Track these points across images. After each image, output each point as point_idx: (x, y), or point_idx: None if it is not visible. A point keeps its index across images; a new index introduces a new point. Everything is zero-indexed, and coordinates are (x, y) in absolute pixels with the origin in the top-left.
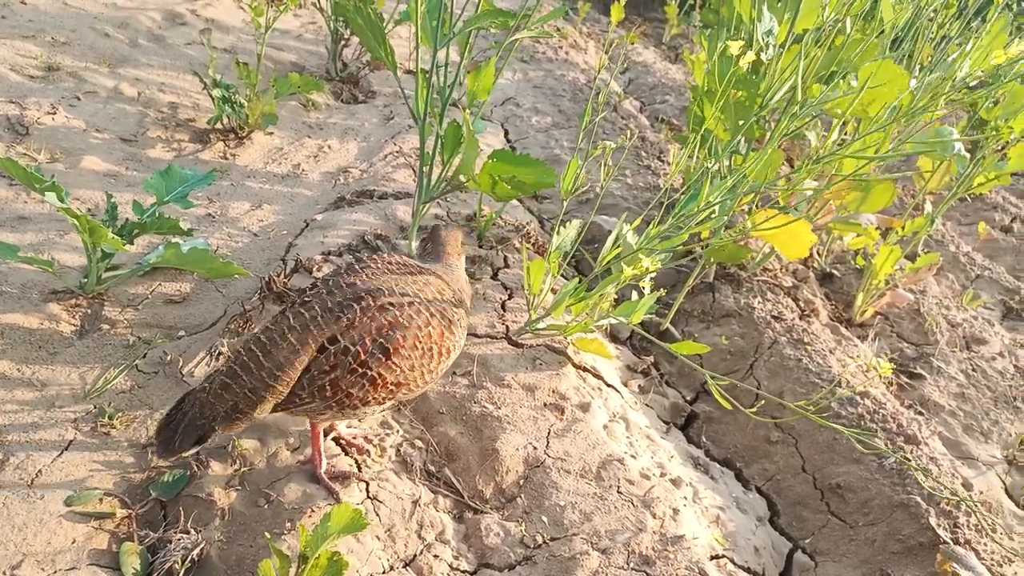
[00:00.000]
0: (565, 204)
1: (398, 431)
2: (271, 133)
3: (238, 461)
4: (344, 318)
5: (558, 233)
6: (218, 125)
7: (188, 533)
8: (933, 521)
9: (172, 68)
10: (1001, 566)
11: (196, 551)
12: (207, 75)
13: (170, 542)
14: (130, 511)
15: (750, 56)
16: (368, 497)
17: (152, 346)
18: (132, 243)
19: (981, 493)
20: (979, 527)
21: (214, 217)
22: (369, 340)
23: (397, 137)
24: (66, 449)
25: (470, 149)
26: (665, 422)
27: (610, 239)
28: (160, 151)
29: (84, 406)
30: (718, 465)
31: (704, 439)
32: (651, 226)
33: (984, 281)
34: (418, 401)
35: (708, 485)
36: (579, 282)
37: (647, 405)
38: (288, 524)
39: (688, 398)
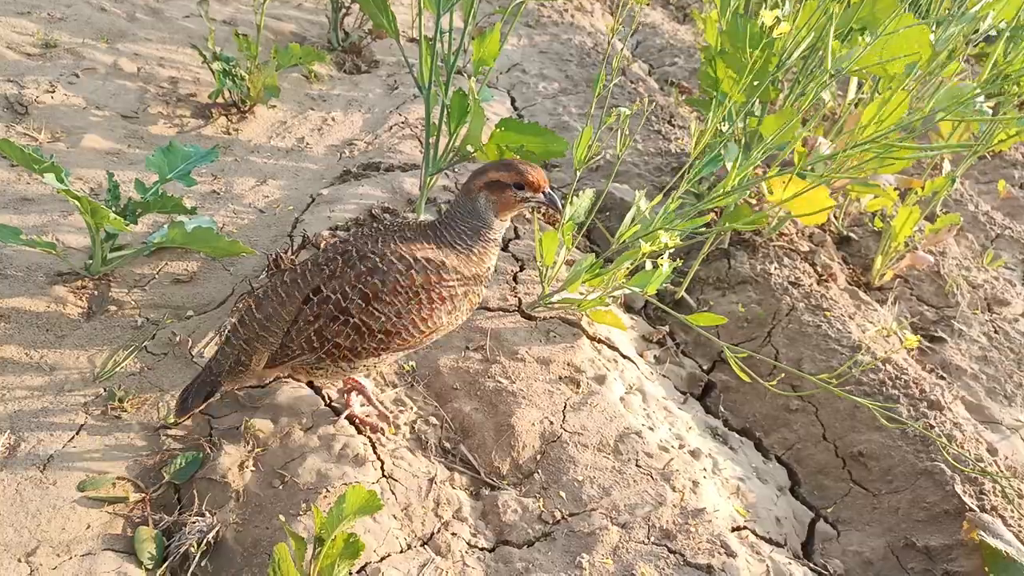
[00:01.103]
0: (578, 174)
1: (412, 408)
2: (274, 106)
3: (251, 442)
4: (327, 269)
5: (571, 203)
6: (220, 99)
7: (203, 516)
8: (958, 488)
9: (171, 42)
10: None
11: (211, 534)
12: (206, 48)
13: (185, 525)
14: (144, 495)
15: (784, 27)
16: (384, 476)
17: (160, 327)
18: (136, 223)
19: (1006, 458)
20: (1005, 493)
21: (219, 194)
22: (348, 287)
23: (402, 107)
24: (77, 434)
25: (476, 118)
26: (682, 392)
27: (629, 215)
28: (162, 127)
29: (94, 389)
30: (737, 435)
31: (722, 409)
32: (670, 200)
33: (1005, 240)
34: (431, 376)
35: (727, 456)
36: (594, 258)
37: (663, 376)
38: (304, 505)
39: (705, 367)
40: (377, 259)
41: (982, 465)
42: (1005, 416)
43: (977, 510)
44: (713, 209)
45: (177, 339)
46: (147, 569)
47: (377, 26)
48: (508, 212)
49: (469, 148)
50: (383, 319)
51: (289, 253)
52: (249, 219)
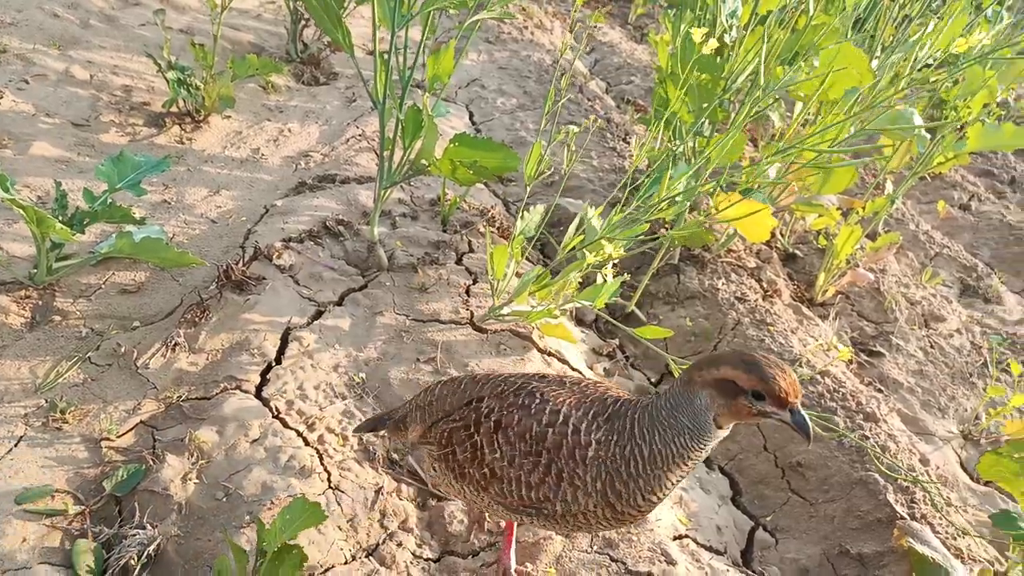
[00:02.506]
0: (528, 188)
1: (361, 419)
2: (229, 116)
3: (195, 454)
4: (502, 387)
5: (522, 218)
6: (174, 108)
7: (144, 528)
8: (891, 497)
9: (125, 50)
10: (955, 539)
11: (152, 546)
12: (161, 57)
13: (125, 538)
14: (84, 508)
15: (713, 43)
16: (330, 487)
17: (105, 337)
18: (83, 232)
19: (938, 468)
20: (936, 503)
21: (170, 204)
22: (495, 408)
23: (360, 120)
24: (16, 445)
25: (430, 133)
26: None
27: (573, 225)
28: (114, 136)
29: (35, 400)
30: None
31: None
32: (614, 212)
33: (943, 259)
34: (381, 388)
35: None
36: (542, 269)
37: None
38: (247, 517)
39: (653, 380)
40: (537, 400)
41: (914, 475)
42: (938, 428)
43: (908, 518)
44: (656, 221)
45: (122, 350)
46: None
47: (332, 40)
48: (734, 421)
49: (424, 162)
50: (496, 456)
51: (240, 264)
52: (200, 229)
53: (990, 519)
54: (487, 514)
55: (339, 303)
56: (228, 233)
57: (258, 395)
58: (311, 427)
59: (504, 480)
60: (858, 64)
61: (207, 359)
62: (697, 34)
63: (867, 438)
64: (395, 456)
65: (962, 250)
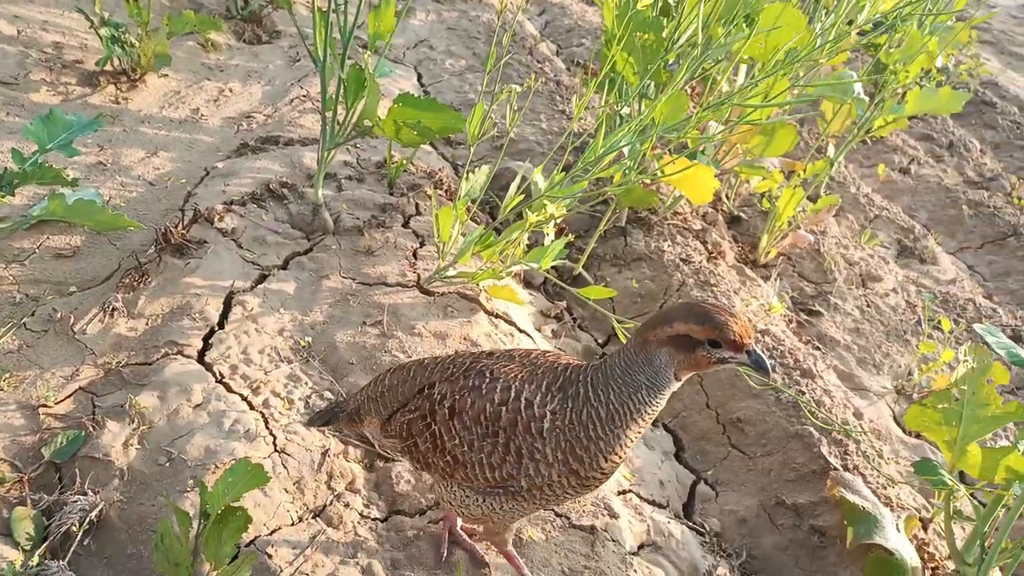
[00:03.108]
0: (472, 150)
1: (307, 383)
2: (166, 75)
3: (136, 420)
4: (452, 369)
5: (466, 180)
6: (108, 67)
7: (85, 495)
8: (825, 450)
9: (55, 5)
10: (885, 488)
11: (94, 512)
12: (94, 12)
13: (66, 504)
14: (21, 475)
15: (647, 0)
16: (276, 450)
17: (41, 303)
18: (13, 195)
19: (871, 421)
20: (867, 454)
21: (105, 166)
22: (448, 393)
23: (304, 80)
24: None
25: (372, 94)
26: None
27: (514, 185)
28: (45, 95)
29: None
30: None
31: None
32: (555, 171)
33: (882, 221)
34: (327, 352)
35: None
36: (484, 229)
37: (560, 349)
38: (191, 481)
39: (600, 341)
40: (487, 379)
41: (847, 428)
42: (873, 384)
43: (840, 469)
44: (602, 183)
45: (59, 316)
46: (25, 550)
47: None
48: (695, 371)
49: (367, 123)
50: (455, 442)
51: (180, 227)
52: (138, 192)
53: (912, 467)
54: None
55: (283, 267)
56: (167, 196)
57: (200, 360)
58: (256, 391)
59: (467, 465)
60: (796, 25)
61: (147, 324)
62: None
63: (803, 393)
64: None
65: (900, 212)
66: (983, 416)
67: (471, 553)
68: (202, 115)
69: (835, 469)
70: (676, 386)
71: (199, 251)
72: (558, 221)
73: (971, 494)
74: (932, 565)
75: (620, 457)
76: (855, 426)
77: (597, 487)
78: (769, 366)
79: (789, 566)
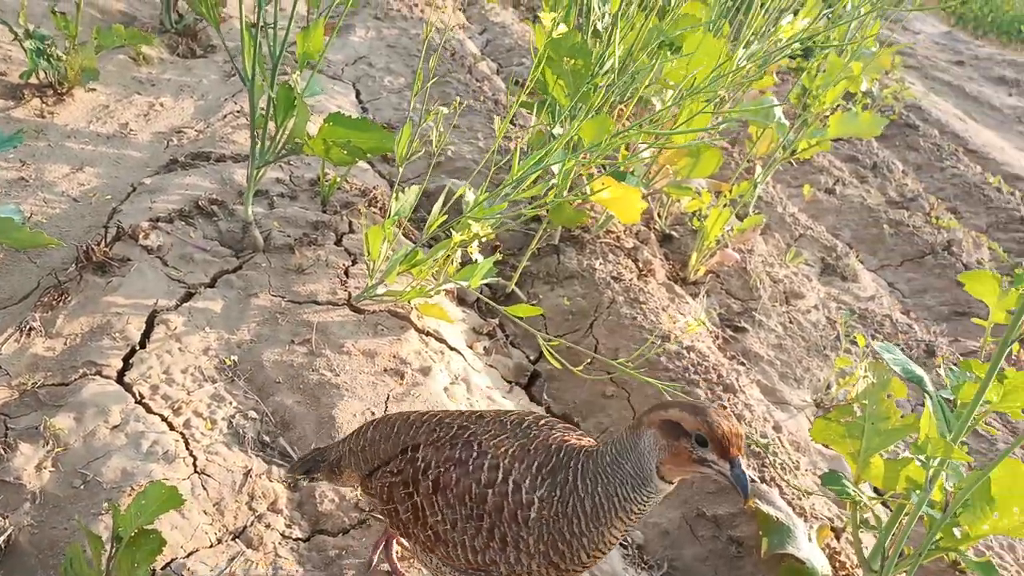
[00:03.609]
0: (402, 169)
1: (231, 402)
2: (94, 89)
3: (51, 442)
4: (438, 433)
5: (396, 199)
6: (33, 80)
7: None
8: (743, 463)
9: None
10: (800, 499)
11: (2, 537)
12: (18, 24)
13: None
14: None
15: (562, 28)
16: (195, 471)
17: None
18: None
19: (791, 434)
20: (784, 466)
21: (27, 181)
22: (432, 463)
23: (238, 95)
24: None
25: (301, 112)
26: (508, 382)
27: (438, 204)
28: None
29: None
30: (557, 420)
31: (545, 396)
32: (480, 190)
33: (806, 240)
34: (253, 370)
35: None
36: (411, 247)
37: (491, 366)
38: (106, 504)
39: (532, 358)
40: (474, 453)
41: (766, 441)
42: (793, 397)
43: (758, 481)
44: (533, 201)
45: None
46: None
47: (196, 12)
48: (676, 472)
49: (297, 141)
50: (438, 519)
51: (103, 245)
52: (61, 208)
53: (820, 479)
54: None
55: (211, 285)
56: (91, 212)
57: (120, 380)
58: (177, 411)
59: (449, 543)
60: (714, 53)
61: (65, 344)
62: (547, 18)
63: (724, 407)
64: (266, 439)
65: (824, 231)
66: (883, 429)
67: (394, 570)
68: (131, 130)
69: (753, 481)
70: (663, 488)
71: (122, 269)
72: (485, 239)
73: (884, 503)
74: (843, 573)
75: (602, 552)
76: (774, 439)
77: None
78: (749, 489)
79: (708, 575)
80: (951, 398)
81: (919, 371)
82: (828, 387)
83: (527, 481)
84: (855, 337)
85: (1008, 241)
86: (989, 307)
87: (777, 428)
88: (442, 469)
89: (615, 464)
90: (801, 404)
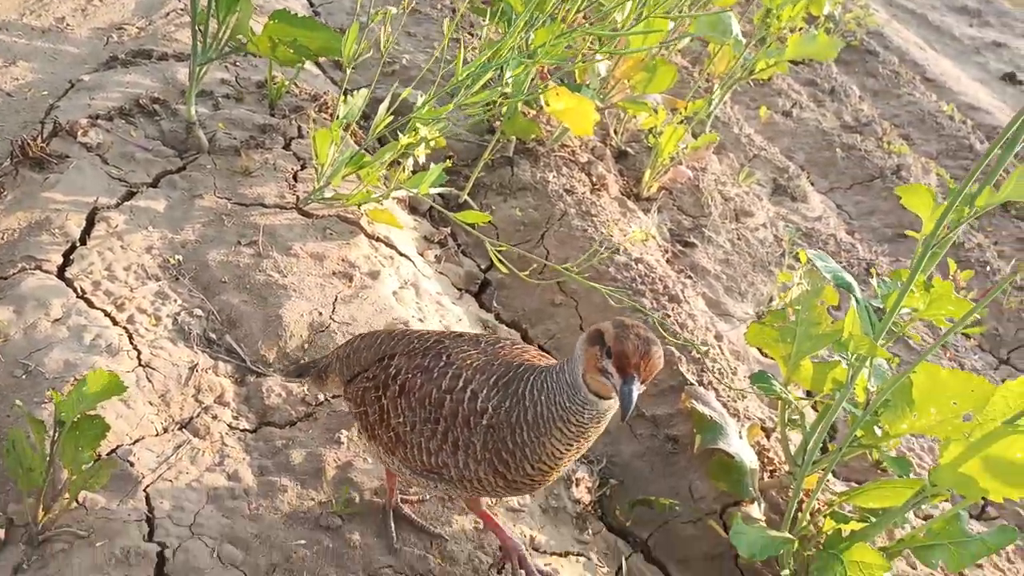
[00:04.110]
0: (349, 71)
1: (175, 300)
2: None
3: None
4: (414, 344)
5: (344, 102)
6: None
7: None
8: (683, 368)
9: None
10: (736, 401)
11: None
12: None
13: None
14: None
15: None
16: (140, 365)
17: None
18: None
19: (731, 343)
20: (722, 371)
21: None
22: (401, 369)
23: None
24: None
25: (245, 8)
26: (459, 289)
27: (383, 106)
28: None
29: None
30: (506, 327)
31: (495, 304)
32: (428, 94)
33: (760, 160)
34: (198, 270)
35: None
36: (357, 149)
37: (441, 273)
38: (48, 393)
39: (483, 267)
40: (441, 363)
41: (706, 348)
42: (737, 310)
43: (696, 384)
44: (485, 109)
45: None
46: None
47: None
48: (594, 382)
49: (240, 38)
50: (399, 420)
51: (39, 140)
52: None
53: (749, 379)
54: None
55: (154, 185)
56: (27, 108)
57: (61, 275)
58: (120, 307)
59: (407, 445)
60: None
61: (2, 239)
62: None
63: (668, 316)
64: (212, 336)
65: (778, 153)
66: (814, 334)
67: (421, 529)
68: (68, 25)
69: (691, 384)
70: (592, 400)
71: (60, 166)
72: (436, 145)
73: (813, 406)
74: (771, 468)
75: (548, 467)
76: (715, 347)
77: (530, 491)
78: (630, 410)
79: (645, 470)
80: (880, 306)
81: (848, 278)
82: (770, 300)
83: (484, 391)
84: (799, 253)
85: (956, 168)
86: (923, 220)
87: (719, 337)
88: (410, 375)
89: (559, 374)
90: (744, 316)
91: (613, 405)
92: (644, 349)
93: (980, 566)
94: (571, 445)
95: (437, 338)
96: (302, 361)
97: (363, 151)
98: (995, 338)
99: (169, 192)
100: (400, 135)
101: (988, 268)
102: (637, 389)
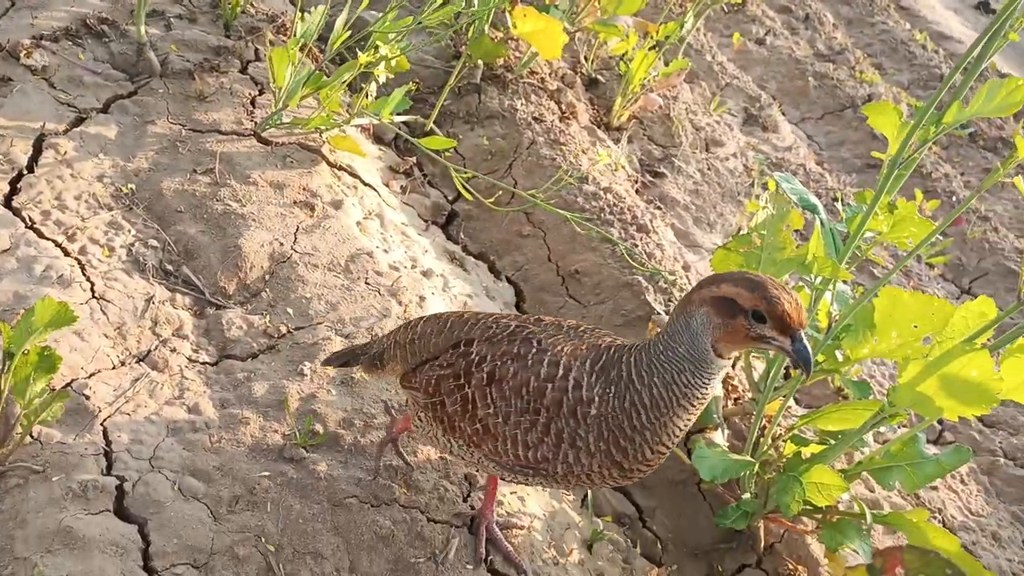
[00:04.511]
0: None
1: (129, 230)
2: None
3: None
4: (494, 329)
5: (302, 19)
6: None
7: None
8: (651, 297)
9: None
10: None
11: None
12: None
13: None
14: None
15: None
16: (94, 297)
17: None
18: None
19: (699, 274)
20: None
21: None
22: (488, 357)
23: None
24: None
25: None
26: (425, 221)
27: (339, 19)
28: None
29: None
30: (473, 259)
31: (462, 236)
32: (388, 8)
33: (732, 89)
34: (153, 199)
35: (460, 276)
36: (313, 68)
37: (407, 204)
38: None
39: (449, 198)
40: (534, 349)
41: (673, 277)
42: (706, 241)
43: (663, 313)
44: (455, 35)
45: None
46: None
47: None
48: (733, 347)
49: None
50: (490, 411)
51: None
52: None
53: None
54: (477, 471)
55: (104, 110)
56: None
57: (7, 204)
58: (71, 238)
59: (499, 438)
60: None
61: None
62: None
63: (636, 246)
64: (169, 267)
65: (751, 82)
66: (779, 259)
67: (507, 556)
68: None
69: (657, 313)
70: (722, 365)
71: (3, 89)
72: (398, 66)
73: None
74: (735, 396)
75: (667, 447)
76: (683, 277)
77: (641, 477)
78: (812, 362)
79: None
80: (845, 230)
81: (814, 199)
82: (739, 231)
83: (586, 379)
84: (768, 183)
85: (927, 98)
86: (889, 141)
87: (687, 268)
88: (499, 363)
89: (669, 351)
90: (712, 247)
91: (728, 363)
92: (796, 301)
93: (935, 488)
94: (691, 419)
95: (518, 324)
96: (341, 351)
97: (320, 71)
98: (958, 268)
99: (120, 118)
100: (360, 53)
101: (955, 199)
102: (807, 339)
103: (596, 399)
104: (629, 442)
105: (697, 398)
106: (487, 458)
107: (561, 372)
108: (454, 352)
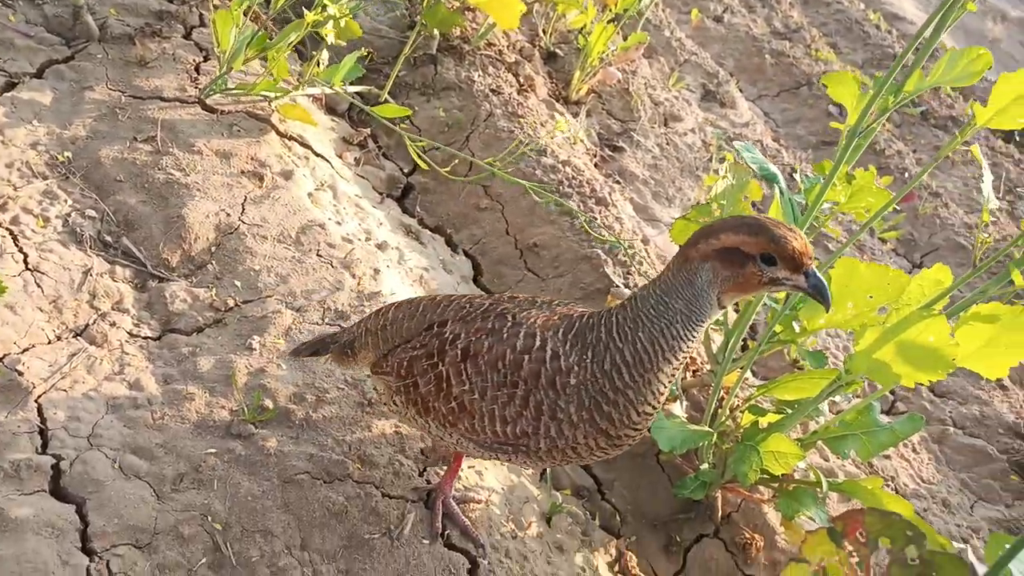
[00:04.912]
0: None
1: (66, 200)
2: None
3: None
4: (467, 308)
5: None
6: None
7: None
8: (609, 270)
9: None
10: None
11: None
12: None
13: None
14: None
15: None
16: (27, 268)
17: None
18: None
19: (657, 247)
20: (647, 274)
21: None
22: (462, 333)
23: None
24: None
25: None
26: (380, 193)
27: None
28: None
29: None
30: (429, 232)
31: (418, 209)
32: None
33: (690, 65)
34: (90, 168)
35: (416, 249)
36: (256, 28)
37: (361, 176)
38: None
39: (405, 170)
40: (508, 323)
41: (632, 251)
42: (664, 215)
43: (621, 286)
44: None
45: None
46: None
47: None
48: (741, 296)
49: None
50: (465, 388)
51: None
52: None
53: None
54: (455, 451)
55: (38, 75)
56: None
57: None
58: (2, 208)
59: (475, 414)
60: None
61: None
62: None
63: (595, 219)
64: (108, 238)
65: (709, 58)
66: None
67: (464, 531)
68: None
69: (616, 287)
70: (717, 314)
71: None
72: (345, 26)
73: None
74: (693, 368)
75: (653, 407)
76: (642, 250)
77: (628, 444)
78: (828, 294)
79: None
80: (803, 202)
81: (774, 168)
82: (697, 204)
83: (563, 348)
84: (725, 157)
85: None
86: (848, 111)
87: (645, 241)
88: (473, 338)
89: (661, 305)
90: (671, 221)
91: (720, 311)
92: (800, 235)
93: (888, 457)
94: (673, 375)
95: (492, 302)
96: (310, 340)
97: (265, 31)
98: (910, 243)
99: (56, 83)
100: (307, 13)
101: (907, 175)
102: (821, 273)
103: (575, 367)
104: (613, 406)
105: (682, 351)
106: (465, 437)
107: (538, 343)
108: (427, 334)
